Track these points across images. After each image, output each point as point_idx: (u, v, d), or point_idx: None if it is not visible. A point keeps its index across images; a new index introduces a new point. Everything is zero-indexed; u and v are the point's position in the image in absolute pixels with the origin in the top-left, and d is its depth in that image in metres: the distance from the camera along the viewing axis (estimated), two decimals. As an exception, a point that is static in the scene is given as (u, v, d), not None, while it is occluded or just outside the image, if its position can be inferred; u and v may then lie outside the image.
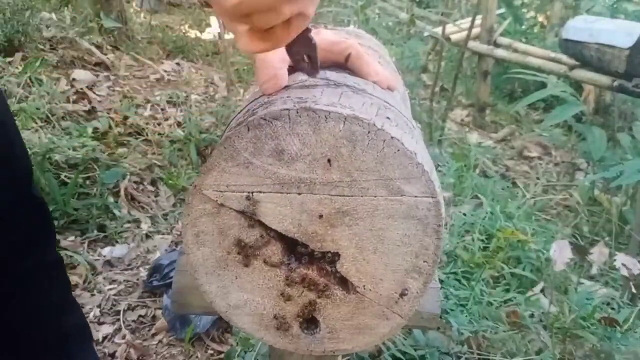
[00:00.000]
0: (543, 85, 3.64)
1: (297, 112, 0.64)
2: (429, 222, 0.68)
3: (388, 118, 0.69)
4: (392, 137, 0.65)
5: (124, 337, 1.88)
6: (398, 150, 0.65)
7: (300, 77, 0.82)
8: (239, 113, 0.81)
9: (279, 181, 0.68)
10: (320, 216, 0.69)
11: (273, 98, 0.72)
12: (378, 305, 0.73)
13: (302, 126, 0.65)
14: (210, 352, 1.84)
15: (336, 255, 0.71)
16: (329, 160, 0.66)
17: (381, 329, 0.75)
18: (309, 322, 0.77)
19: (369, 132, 0.64)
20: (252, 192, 0.68)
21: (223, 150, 0.67)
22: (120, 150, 2.93)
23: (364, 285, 0.73)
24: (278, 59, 0.76)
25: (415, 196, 0.67)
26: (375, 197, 0.67)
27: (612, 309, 2.07)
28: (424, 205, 0.67)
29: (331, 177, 0.67)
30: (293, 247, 0.72)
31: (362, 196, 0.68)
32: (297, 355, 0.96)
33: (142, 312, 1.98)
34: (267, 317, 0.77)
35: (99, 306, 2.00)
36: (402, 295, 0.72)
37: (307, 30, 0.70)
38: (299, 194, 0.68)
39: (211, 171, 0.68)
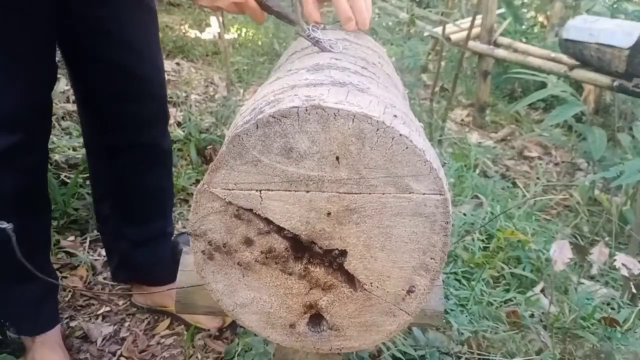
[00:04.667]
0: (543, 85, 3.65)
1: (307, 110, 0.65)
2: (436, 219, 0.68)
3: (395, 116, 0.70)
4: (400, 135, 0.65)
5: (124, 337, 1.88)
6: (407, 147, 0.65)
7: (305, 75, 0.82)
8: (245, 111, 0.81)
9: (287, 179, 0.68)
10: (329, 214, 0.69)
11: (280, 96, 0.72)
12: (385, 303, 0.74)
13: (311, 124, 0.65)
14: (210, 352, 1.84)
15: (343, 253, 0.72)
16: (337, 158, 0.66)
17: (388, 326, 0.75)
18: (316, 320, 0.77)
19: (377, 129, 0.65)
20: (261, 190, 0.69)
21: (232, 148, 0.67)
22: (121, 150, 2.92)
23: (371, 283, 0.73)
24: None
25: (424, 193, 0.67)
26: (383, 194, 0.68)
27: (612, 309, 2.07)
28: (432, 202, 0.67)
29: (339, 175, 0.67)
30: (300, 245, 0.72)
31: (370, 194, 0.68)
32: (302, 353, 0.96)
33: (142, 311, 1.98)
34: (274, 315, 0.77)
35: (98, 306, 2.00)
36: (409, 292, 0.73)
37: None
38: (307, 191, 0.68)
39: (219, 169, 0.68)
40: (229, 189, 0.69)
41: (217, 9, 1.14)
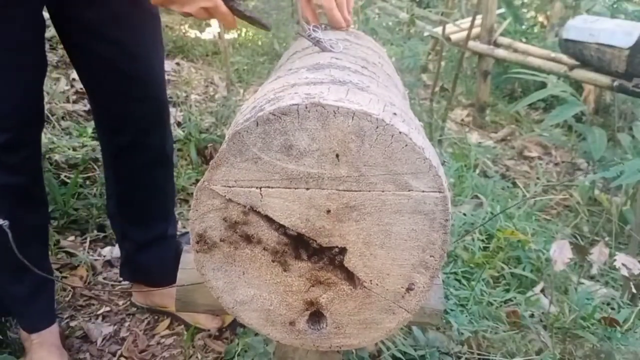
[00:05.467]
0: (543, 85, 3.64)
1: (306, 108, 0.65)
2: (435, 216, 0.68)
3: (395, 114, 0.70)
4: (400, 132, 0.65)
5: (124, 337, 1.88)
6: (406, 145, 0.65)
7: (306, 74, 0.83)
8: (245, 109, 0.81)
9: (287, 176, 0.68)
10: (328, 211, 0.69)
11: (281, 94, 0.72)
12: (385, 300, 0.74)
13: (311, 121, 0.65)
14: (210, 352, 1.84)
15: (343, 251, 0.72)
16: (337, 156, 0.66)
17: (387, 323, 0.75)
18: (316, 317, 0.77)
19: (377, 127, 0.65)
20: (261, 187, 0.69)
21: (232, 145, 0.67)
22: (121, 150, 2.92)
23: (370, 280, 0.73)
24: None
25: (423, 191, 0.67)
26: (383, 192, 0.68)
27: (612, 309, 2.07)
28: (431, 200, 0.68)
29: (339, 172, 0.67)
30: (300, 242, 0.72)
31: (369, 191, 0.68)
32: (302, 351, 0.96)
33: (142, 311, 1.98)
34: (274, 312, 0.77)
35: (98, 306, 2.00)
36: (408, 289, 0.73)
37: None
38: (307, 189, 0.68)
39: (220, 167, 0.68)
40: (229, 186, 0.69)
41: (186, 15, 1.14)
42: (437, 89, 3.91)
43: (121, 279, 2.05)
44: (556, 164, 3.72)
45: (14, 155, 1.44)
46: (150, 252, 1.82)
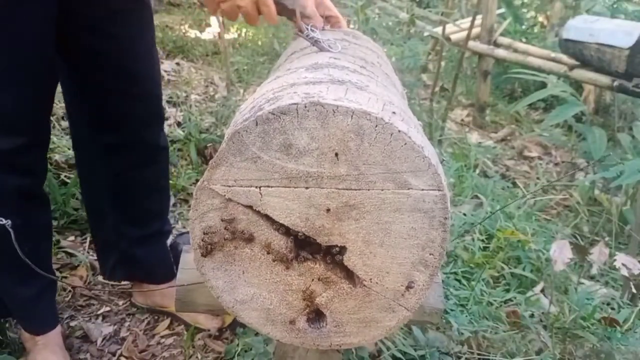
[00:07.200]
0: (543, 85, 3.65)
1: (306, 107, 0.65)
2: (435, 215, 0.69)
3: (394, 113, 0.70)
4: (399, 131, 0.65)
5: (124, 337, 1.88)
6: (405, 143, 0.65)
7: (304, 74, 0.83)
8: (244, 109, 0.81)
9: (286, 175, 0.68)
10: (328, 210, 0.69)
11: (280, 94, 0.72)
12: (384, 299, 0.74)
13: (310, 120, 0.65)
14: (210, 352, 1.84)
15: (343, 249, 0.72)
16: (336, 154, 0.67)
17: (387, 322, 0.76)
18: (316, 316, 0.77)
19: (376, 126, 0.65)
20: (260, 187, 0.69)
21: (231, 145, 0.67)
22: (121, 150, 2.92)
23: (370, 279, 0.73)
24: None
25: (422, 189, 0.67)
26: (382, 190, 0.68)
27: (612, 309, 2.07)
28: (431, 198, 0.68)
29: (339, 171, 0.67)
30: (300, 241, 0.72)
31: (369, 190, 0.68)
32: (302, 350, 0.96)
33: (142, 311, 1.98)
34: (274, 311, 0.77)
35: (99, 306, 2.00)
36: (408, 288, 0.73)
37: None
38: (307, 188, 0.69)
39: (219, 166, 0.69)
40: (229, 186, 0.69)
41: (232, 13, 1.12)
42: (437, 89, 3.91)
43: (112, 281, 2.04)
44: (556, 164, 3.72)
45: (28, 158, 1.43)
46: (148, 248, 1.81)
